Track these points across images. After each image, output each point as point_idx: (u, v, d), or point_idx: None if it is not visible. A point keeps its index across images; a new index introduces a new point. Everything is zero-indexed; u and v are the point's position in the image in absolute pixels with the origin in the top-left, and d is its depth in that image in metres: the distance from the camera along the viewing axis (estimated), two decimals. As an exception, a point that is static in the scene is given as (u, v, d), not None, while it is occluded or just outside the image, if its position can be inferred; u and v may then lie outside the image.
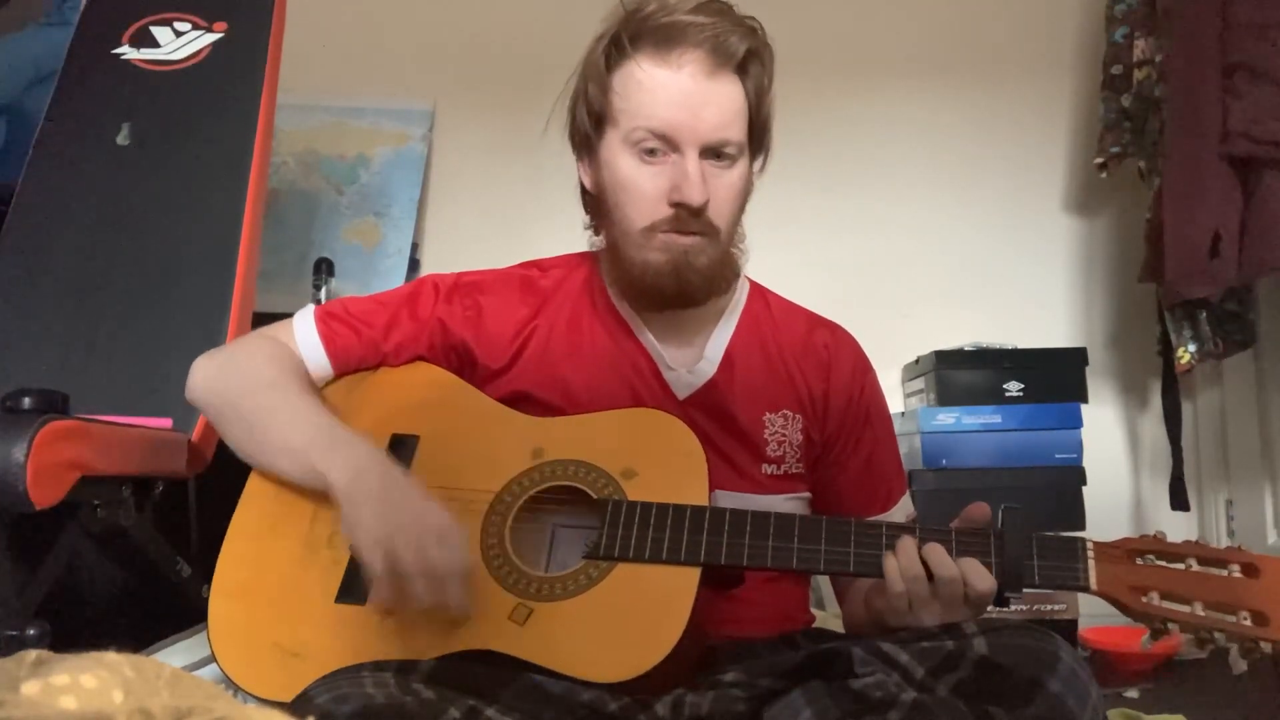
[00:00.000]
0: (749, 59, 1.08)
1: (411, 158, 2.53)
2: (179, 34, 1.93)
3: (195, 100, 1.87)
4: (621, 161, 1.09)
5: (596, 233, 1.20)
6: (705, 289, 1.13)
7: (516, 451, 1.07)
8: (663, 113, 1.06)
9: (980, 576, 0.93)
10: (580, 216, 1.22)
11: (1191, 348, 2.11)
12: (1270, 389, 2.21)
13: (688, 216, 1.07)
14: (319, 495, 1.05)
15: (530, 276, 1.22)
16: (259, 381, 1.10)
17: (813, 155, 2.41)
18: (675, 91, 1.05)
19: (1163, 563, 0.93)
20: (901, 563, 0.94)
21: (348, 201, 2.49)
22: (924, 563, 0.94)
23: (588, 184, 1.17)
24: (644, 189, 1.08)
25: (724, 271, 1.15)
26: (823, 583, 1.60)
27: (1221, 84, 1.88)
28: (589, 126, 1.12)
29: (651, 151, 1.07)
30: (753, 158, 1.14)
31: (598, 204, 1.16)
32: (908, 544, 0.95)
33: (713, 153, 1.07)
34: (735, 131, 1.08)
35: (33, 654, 0.57)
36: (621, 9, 1.10)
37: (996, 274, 2.51)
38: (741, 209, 1.14)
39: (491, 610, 0.96)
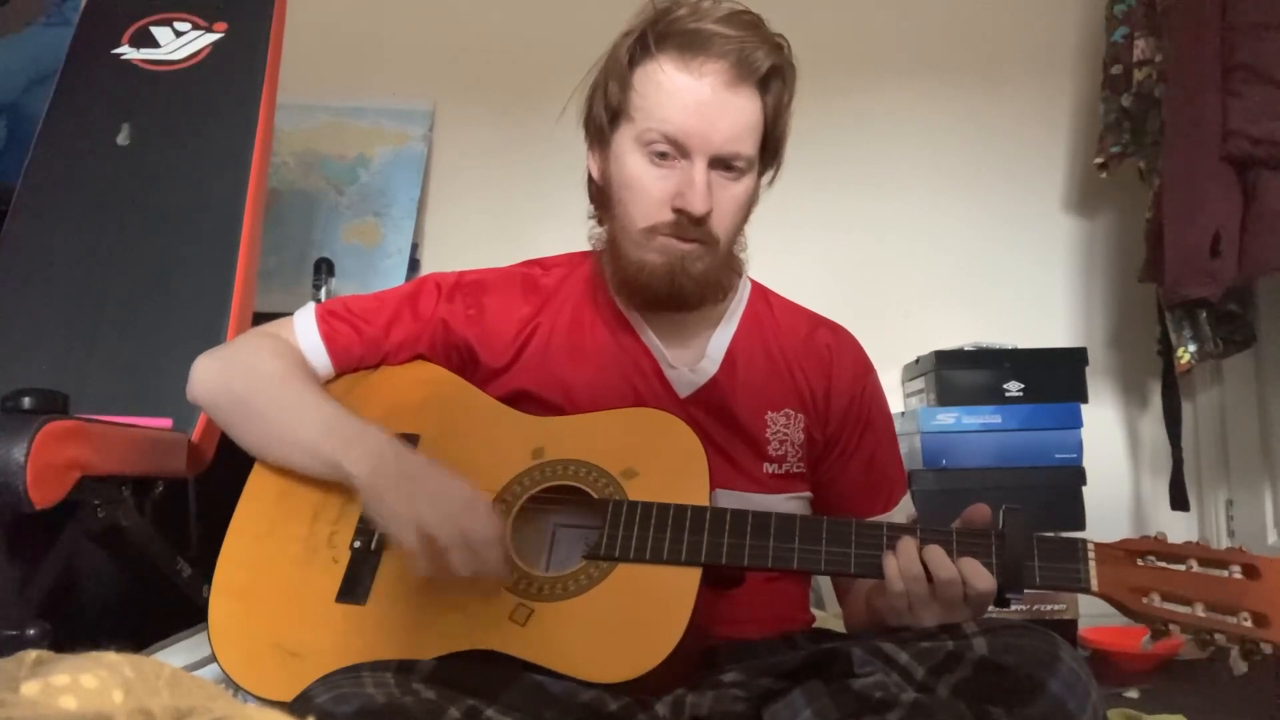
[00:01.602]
0: (771, 75, 1.09)
1: (411, 158, 2.53)
2: (179, 34, 1.93)
3: (195, 100, 1.86)
4: (631, 159, 1.09)
5: (600, 223, 1.20)
6: (698, 295, 1.13)
7: (517, 451, 1.07)
8: (677, 118, 1.05)
9: (980, 576, 0.93)
10: (582, 210, 1.22)
11: (1191, 348, 2.11)
12: (1270, 389, 2.21)
13: (688, 224, 1.07)
14: (320, 495, 1.06)
15: (532, 275, 1.22)
16: (266, 376, 1.10)
17: (813, 155, 2.40)
18: (692, 99, 1.05)
19: (1163, 564, 0.93)
20: (901, 563, 0.94)
21: (348, 201, 2.49)
22: (923, 563, 0.94)
23: (595, 174, 1.17)
24: (649, 189, 1.08)
25: (720, 279, 1.15)
26: (823, 583, 1.61)
27: (1221, 84, 1.88)
28: (604, 118, 1.12)
29: (662, 154, 1.07)
30: (762, 171, 1.14)
31: (603, 195, 1.16)
32: (907, 544, 0.95)
33: (722, 164, 1.07)
34: (747, 145, 1.08)
35: (33, 654, 0.57)
36: (652, 7, 1.10)
37: (996, 274, 2.51)
38: (744, 220, 1.14)
39: (492, 610, 0.96)
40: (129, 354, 1.63)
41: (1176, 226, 1.95)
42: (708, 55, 1.05)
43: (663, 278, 1.10)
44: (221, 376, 1.13)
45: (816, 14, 2.48)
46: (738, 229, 1.14)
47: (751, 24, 1.08)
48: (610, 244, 1.17)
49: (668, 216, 1.08)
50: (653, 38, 1.08)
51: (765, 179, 1.16)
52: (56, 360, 1.61)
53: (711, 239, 1.09)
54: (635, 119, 1.09)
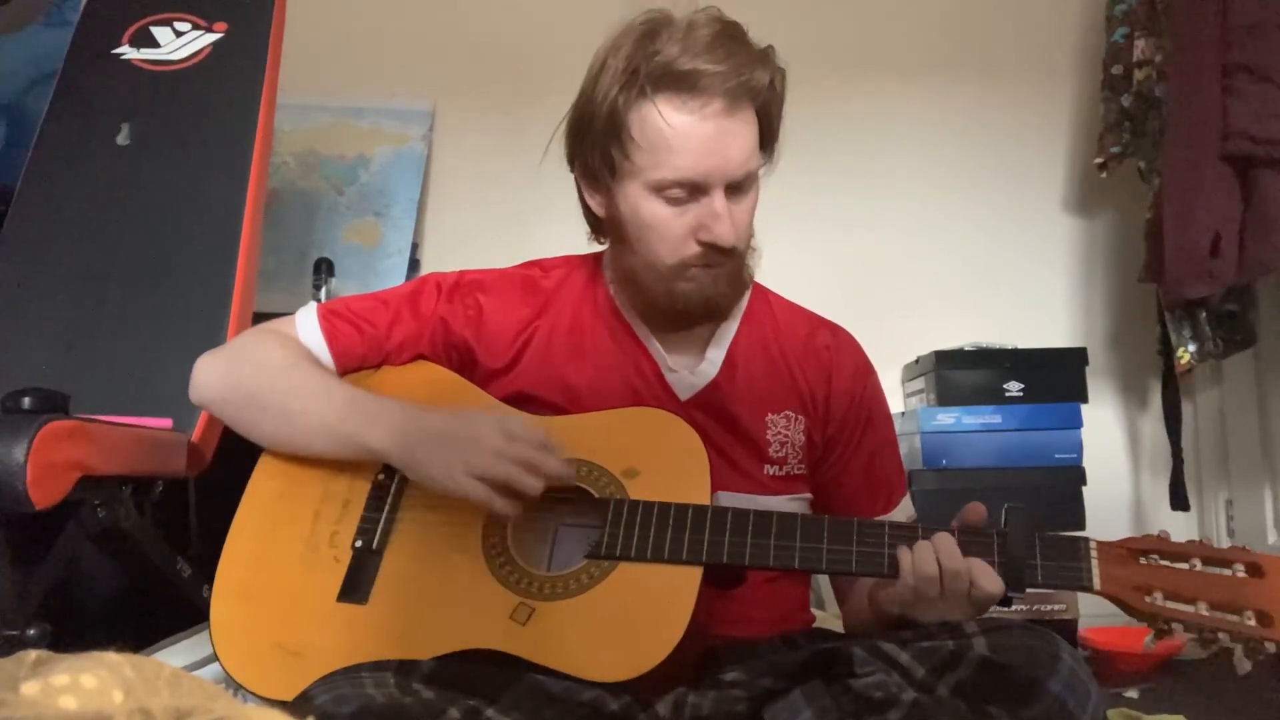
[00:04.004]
0: (765, 87, 1.08)
1: (411, 158, 2.52)
2: (179, 34, 1.93)
3: (195, 100, 1.86)
4: (646, 206, 1.08)
5: (600, 242, 1.21)
6: (729, 303, 1.15)
7: (518, 451, 1.07)
8: (690, 162, 1.04)
9: (988, 578, 0.92)
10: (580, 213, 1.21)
11: (1191, 348, 2.11)
12: (1270, 389, 2.21)
13: (715, 253, 1.07)
14: (321, 495, 1.06)
15: (532, 277, 1.22)
16: (275, 367, 1.10)
17: (813, 155, 2.41)
18: (701, 139, 1.04)
19: (1166, 562, 0.93)
20: (916, 556, 0.94)
21: (348, 201, 2.48)
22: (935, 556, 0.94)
23: (598, 210, 1.15)
24: (672, 228, 1.07)
25: (742, 278, 1.16)
26: (823, 583, 1.60)
27: (1221, 84, 1.87)
28: (598, 163, 1.10)
29: (678, 197, 1.06)
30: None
31: (608, 227, 1.16)
32: (924, 546, 0.95)
33: (736, 186, 1.07)
34: (754, 162, 1.09)
35: (33, 654, 0.57)
36: (630, 38, 1.07)
37: (996, 274, 2.51)
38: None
39: (493, 609, 0.96)
40: (129, 354, 1.63)
41: (1176, 226, 1.95)
42: (707, 95, 1.03)
43: (698, 304, 1.11)
44: (228, 373, 1.13)
45: (816, 14, 2.48)
46: (752, 232, 1.14)
47: (736, 40, 1.06)
48: (630, 273, 1.15)
49: (694, 250, 1.08)
50: (644, 82, 1.04)
51: (764, 170, 1.16)
52: (56, 360, 1.61)
53: (736, 255, 1.10)
54: (643, 168, 1.06)
